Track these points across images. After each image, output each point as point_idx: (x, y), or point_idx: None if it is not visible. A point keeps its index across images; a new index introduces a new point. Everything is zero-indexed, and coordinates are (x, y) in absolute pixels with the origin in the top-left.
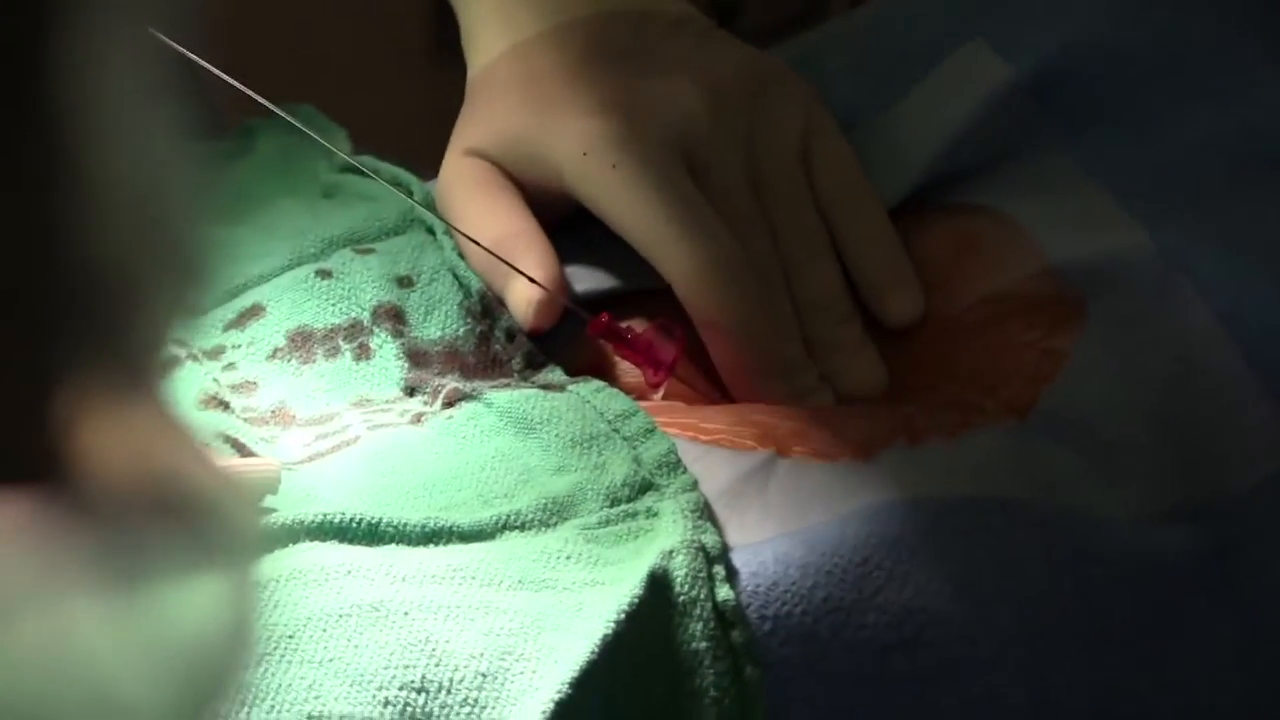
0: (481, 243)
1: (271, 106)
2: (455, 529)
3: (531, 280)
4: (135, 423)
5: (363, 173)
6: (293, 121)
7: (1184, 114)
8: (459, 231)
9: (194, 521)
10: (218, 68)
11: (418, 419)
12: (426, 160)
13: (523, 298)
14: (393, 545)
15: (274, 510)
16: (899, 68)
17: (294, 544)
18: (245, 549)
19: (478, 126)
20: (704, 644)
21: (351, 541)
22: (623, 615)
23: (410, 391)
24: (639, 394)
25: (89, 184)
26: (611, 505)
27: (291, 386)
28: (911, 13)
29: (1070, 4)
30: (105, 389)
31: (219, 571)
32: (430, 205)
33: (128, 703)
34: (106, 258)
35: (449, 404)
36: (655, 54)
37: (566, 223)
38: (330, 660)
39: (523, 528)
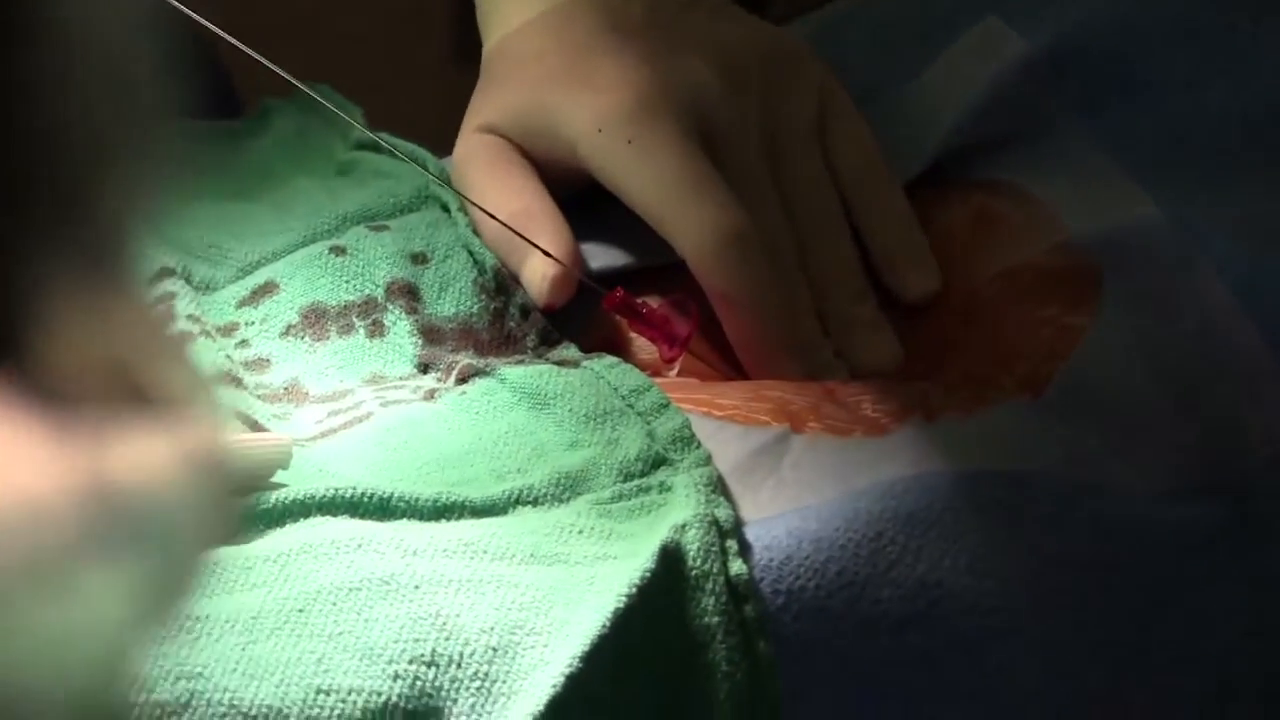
0: (500, 210)
1: (289, 78)
2: (467, 504)
3: (547, 254)
4: (100, 306)
5: (379, 148)
6: (311, 94)
7: (1201, 88)
8: (475, 204)
9: (153, 412)
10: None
11: (431, 395)
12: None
13: (538, 273)
14: (404, 520)
15: (285, 485)
16: (915, 43)
17: (305, 519)
18: (210, 458)
19: (492, 102)
20: (716, 618)
21: (363, 516)
22: (634, 589)
23: (424, 369)
24: (654, 370)
25: (52, 46)
26: (625, 480)
27: (305, 363)
28: None
29: None
30: (68, 267)
31: (181, 474)
32: (446, 181)
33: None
34: (70, 124)
35: (462, 380)
36: (670, 29)
37: (581, 200)
38: (340, 634)
39: (535, 502)
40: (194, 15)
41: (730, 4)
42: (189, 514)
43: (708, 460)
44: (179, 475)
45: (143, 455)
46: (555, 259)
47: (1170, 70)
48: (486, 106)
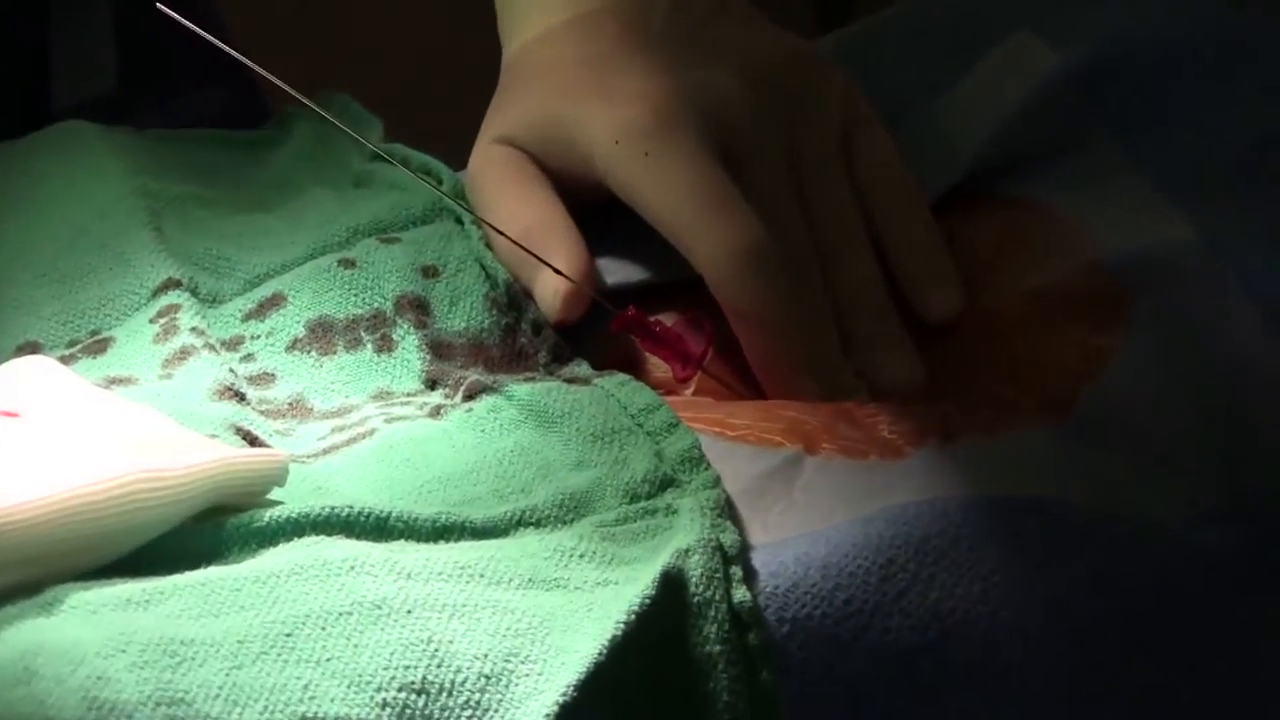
0: (510, 233)
1: (300, 97)
2: (468, 525)
3: (558, 272)
4: None
5: (390, 161)
6: (320, 112)
7: (1234, 107)
8: (486, 223)
9: None
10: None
11: (437, 412)
12: None
13: (550, 288)
14: (401, 541)
15: (280, 503)
16: (947, 57)
17: (299, 538)
18: None
19: (509, 113)
20: (718, 646)
21: (359, 536)
22: (633, 616)
23: (431, 384)
24: (668, 389)
25: None
26: (631, 501)
27: (310, 379)
28: (959, 1)
29: None
30: None
31: None
32: (460, 194)
33: None
34: None
35: (469, 396)
36: (691, 40)
37: (598, 213)
38: (328, 660)
39: (538, 524)
40: (194, 28)
41: (756, 15)
42: None
43: (716, 482)
44: None
45: None
46: (566, 276)
47: (1203, 87)
48: (503, 117)
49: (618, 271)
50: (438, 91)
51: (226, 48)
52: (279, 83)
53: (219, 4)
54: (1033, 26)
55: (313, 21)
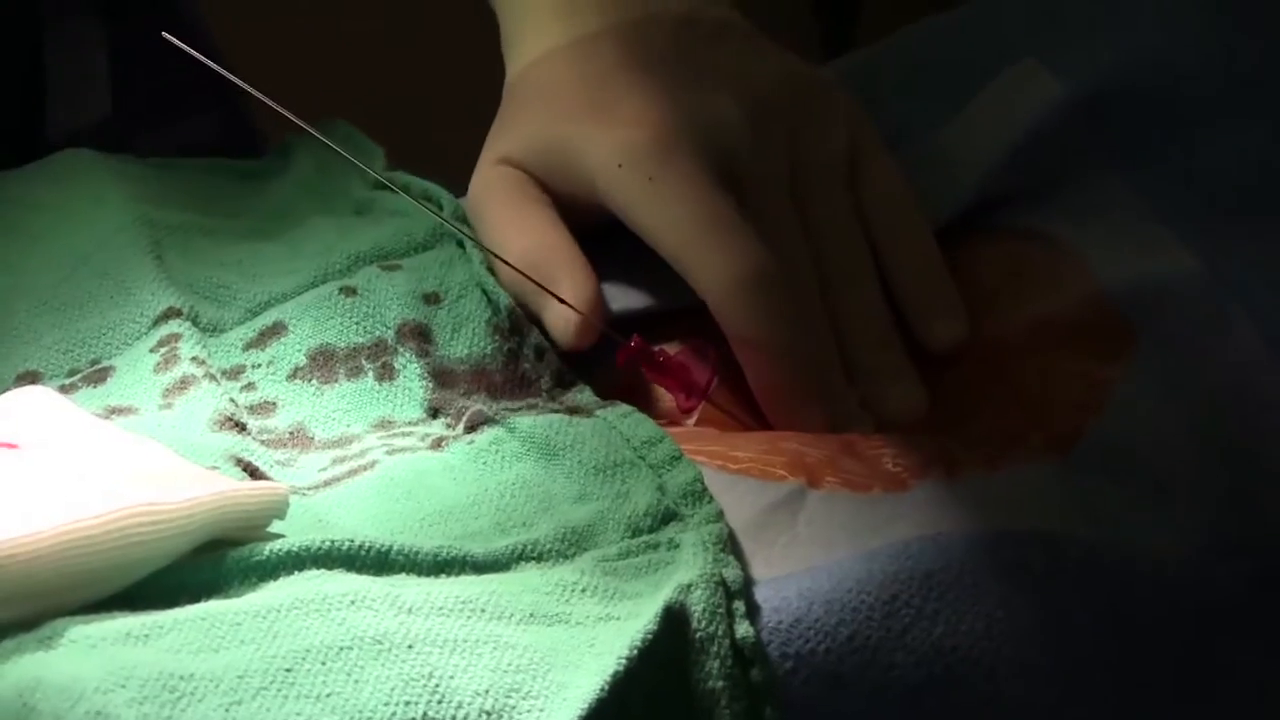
0: (515, 258)
1: (304, 125)
2: (469, 559)
3: (567, 304)
4: None
5: (392, 189)
6: (324, 140)
7: (1239, 135)
8: (492, 253)
9: None
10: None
11: (439, 443)
12: None
13: (561, 318)
14: (403, 575)
15: (280, 536)
16: (951, 84)
17: (299, 572)
18: None
19: (511, 134)
20: (721, 683)
21: (359, 570)
22: (635, 652)
23: (434, 413)
24: (671, 419)
25: None
26: (633, 535)
27: (311, 408)
28: (964, 28)
29: (1125, 20)
30: None
31: None
32: (461, 219)
33: None
34: None
35: (471, 428)
36: (696, 62)
37: (598, 237)
38: (328, 695)
39: (539, 558)
40: (198, 55)
41: (761, 38)
42: None
43: (719, 516)
44: None
45: None
46: (575, 309)
47: (1208, 116)
48: (505, 138)
49: (620, 298)
50: (439, 115)
51: (233, 77)
52: (283, 110)
53: (212, 30)
54: (1035, 54)
55: (313, 46)
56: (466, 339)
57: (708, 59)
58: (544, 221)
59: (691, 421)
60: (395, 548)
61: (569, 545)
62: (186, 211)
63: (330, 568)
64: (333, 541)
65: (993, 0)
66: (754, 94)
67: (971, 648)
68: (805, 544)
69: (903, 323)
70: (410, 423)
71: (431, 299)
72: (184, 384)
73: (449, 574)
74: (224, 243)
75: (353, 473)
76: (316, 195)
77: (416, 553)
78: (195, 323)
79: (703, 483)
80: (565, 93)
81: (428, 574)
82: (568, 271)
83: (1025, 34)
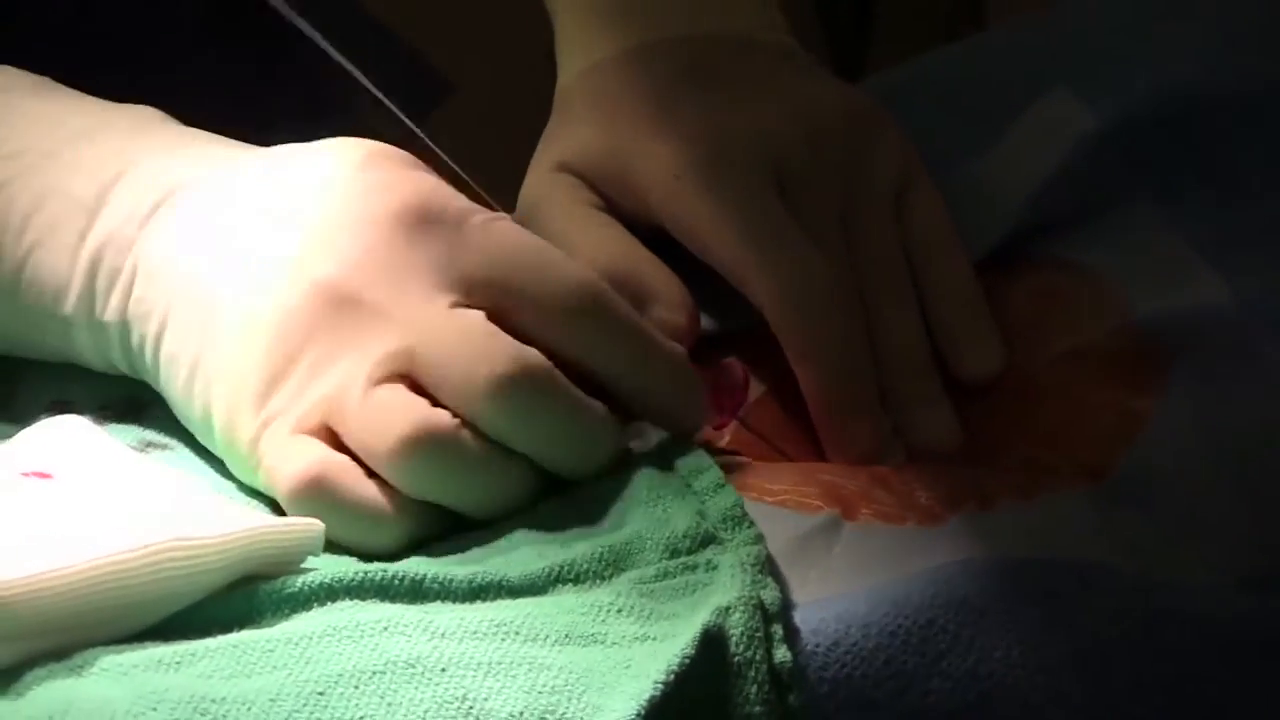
0: (597, 266)
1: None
2: (505, 583)
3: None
4: None
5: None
6: (441, 155)
7: (1270, 165)
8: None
9: None
10: None
11: None
12: None
13: (666, 326)
14: (438, 602)
15: (313, 569)
16: (983, 112)
17: (331, 603)
18: None
19: (567, 141)
20: (759, 708)
21: (394, 600)
22: (671, 675)
23: None
24: (705, 436)
25: None
26: (671, 557)
27: None
28: (995, 55)
29: (1157, 50)
30: None
31: None
32: None
33: None
34: None
35: None
36: (755, 82)
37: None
38: (361, 718)
39: (576, 580)
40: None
41: (819, 66)
42: None
43: (758, 539)
44: None
45: None
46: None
47: (1240, 145)
48: (561, 144)
49: None
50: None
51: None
52: (411, 125)
53: None
54: (1066, 80)
55: None
56: None
57: (768, 81)
58: (619, 230)
59: (723, 440)
60: (429, 575)
61: (606, 566)
62: None
63: (364, 598)
64: (365, 572)
65: (1011, 28)
66: (811, 118)
67: (1005, 675)
68: (841, 572)
69: (937, 352)
70: None
71: None
72: None
73: (484, 599)
74: None
75: None
76: None
77: (451, 580)
78: None
79: (743, 508)
80: (624, 102)
81: (462, 600)
82: (657, 279)
83: (1057, 61)
